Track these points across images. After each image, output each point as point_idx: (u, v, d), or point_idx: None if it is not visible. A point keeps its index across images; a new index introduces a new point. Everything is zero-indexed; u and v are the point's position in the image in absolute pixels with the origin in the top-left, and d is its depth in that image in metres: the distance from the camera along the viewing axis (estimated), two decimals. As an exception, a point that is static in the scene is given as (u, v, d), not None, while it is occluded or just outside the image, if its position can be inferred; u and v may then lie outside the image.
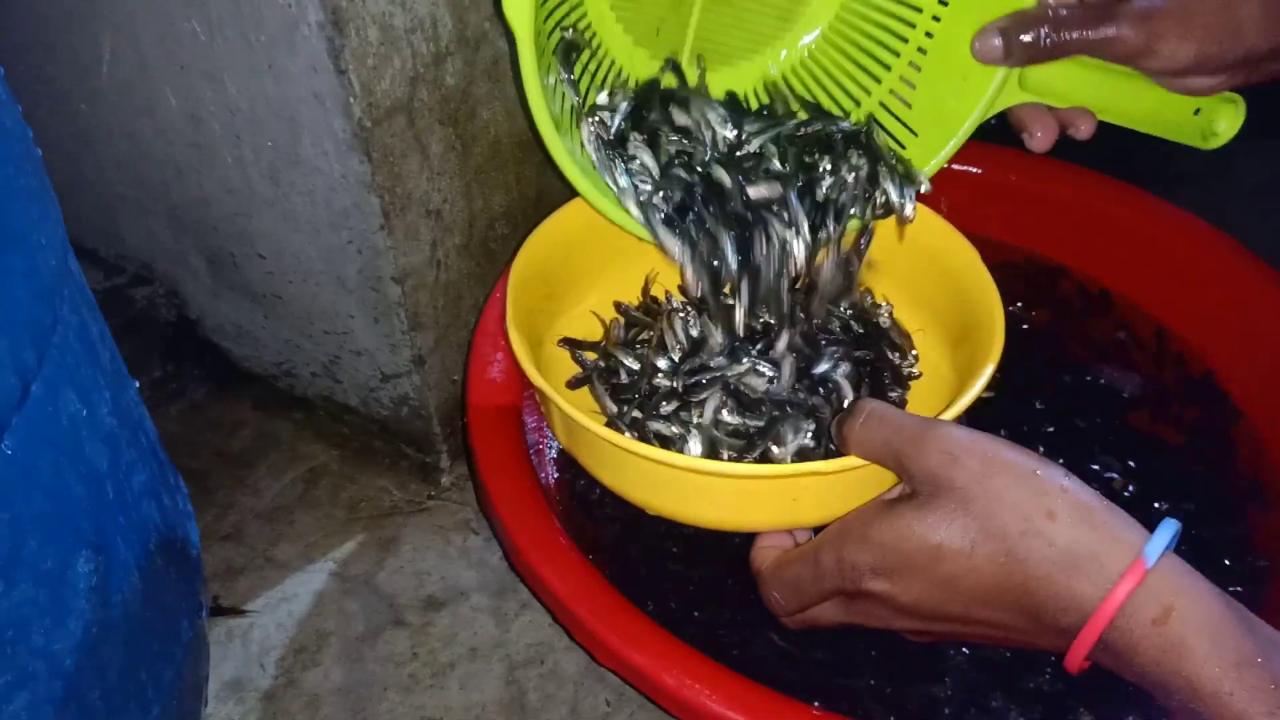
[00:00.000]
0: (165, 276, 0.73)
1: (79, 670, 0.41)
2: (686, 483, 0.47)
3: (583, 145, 0.55)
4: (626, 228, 0.55)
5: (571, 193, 0.55)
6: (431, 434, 0.69)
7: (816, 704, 0.45)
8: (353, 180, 0.56)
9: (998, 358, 0.50)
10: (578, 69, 0.56)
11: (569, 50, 0.54)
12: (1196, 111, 0.53)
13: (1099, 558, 0.37)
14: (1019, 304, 0.71)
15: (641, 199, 0.53)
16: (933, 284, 0.59)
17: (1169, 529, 0.38)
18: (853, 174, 0.55)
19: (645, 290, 0.63)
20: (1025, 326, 0.70)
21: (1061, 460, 0.40)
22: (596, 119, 0.54)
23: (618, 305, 0.63)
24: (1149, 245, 0.69)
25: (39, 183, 0.39)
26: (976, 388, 0.48)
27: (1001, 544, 0.38)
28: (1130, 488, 0.61)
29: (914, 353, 0.60)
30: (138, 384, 0.49)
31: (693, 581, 0.58)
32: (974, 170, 0.73)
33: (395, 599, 0.64)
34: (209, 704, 0.59)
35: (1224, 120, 0.53)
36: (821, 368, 0.55)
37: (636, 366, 0.57)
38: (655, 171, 0.54)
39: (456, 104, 0.59)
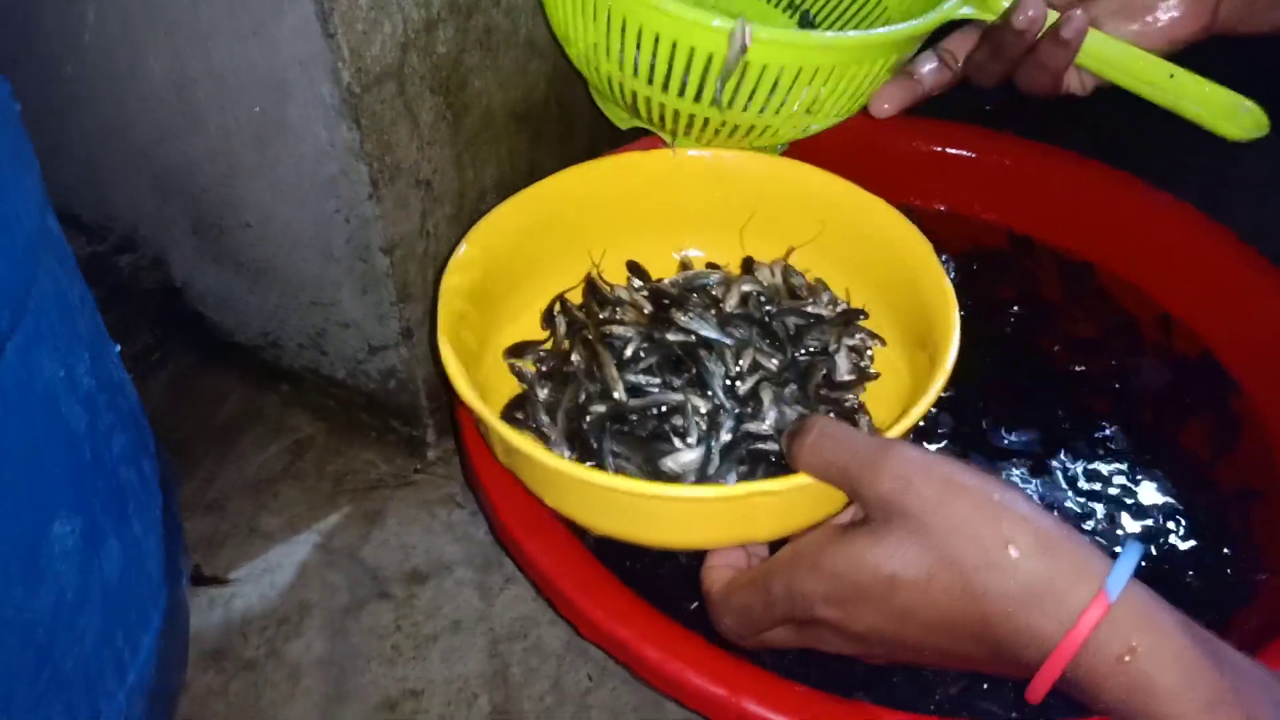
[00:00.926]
0: (150, 244, 0.72)
1: (53, 638, 0.40)
2: (631, 506, 0.45)
3: None
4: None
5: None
6: (419, 408, 0.68)
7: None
8: (341, 148, 0.55)
9: (948, 370, 0.48)
10: None
11: None
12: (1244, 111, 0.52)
13: (1060, 592, 0.36)
14: (1002, 288, 0.71)
15: None
16: (893, 283, 0.57)
17: (1132, 556, 0.36)
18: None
19: (588, 288, 0.61)
20: (1015, 309, 0.70)
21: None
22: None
23: (563, 303, 0.61)
24: (1142, 231, 0.69)
25: (15, 138, 0.38)
26: (924, 403, 0.46)
27: (958, 576, 0.37)
28: (1116, 482, 0.60)
29: (870, 352, 0.58)
30: (119, 348, 0.49)
31: (679, 556, 0.57)
32: (968, 155, 0.73)
33: (379, 571, 0.64)
34: (189, 673, 0.58)
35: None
36: (768, 419, 0.52)
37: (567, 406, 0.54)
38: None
39: (448, 72, 0.58)
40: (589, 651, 0.60)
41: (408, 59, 0.55)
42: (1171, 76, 0.52)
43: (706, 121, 0.57)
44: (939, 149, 0.72)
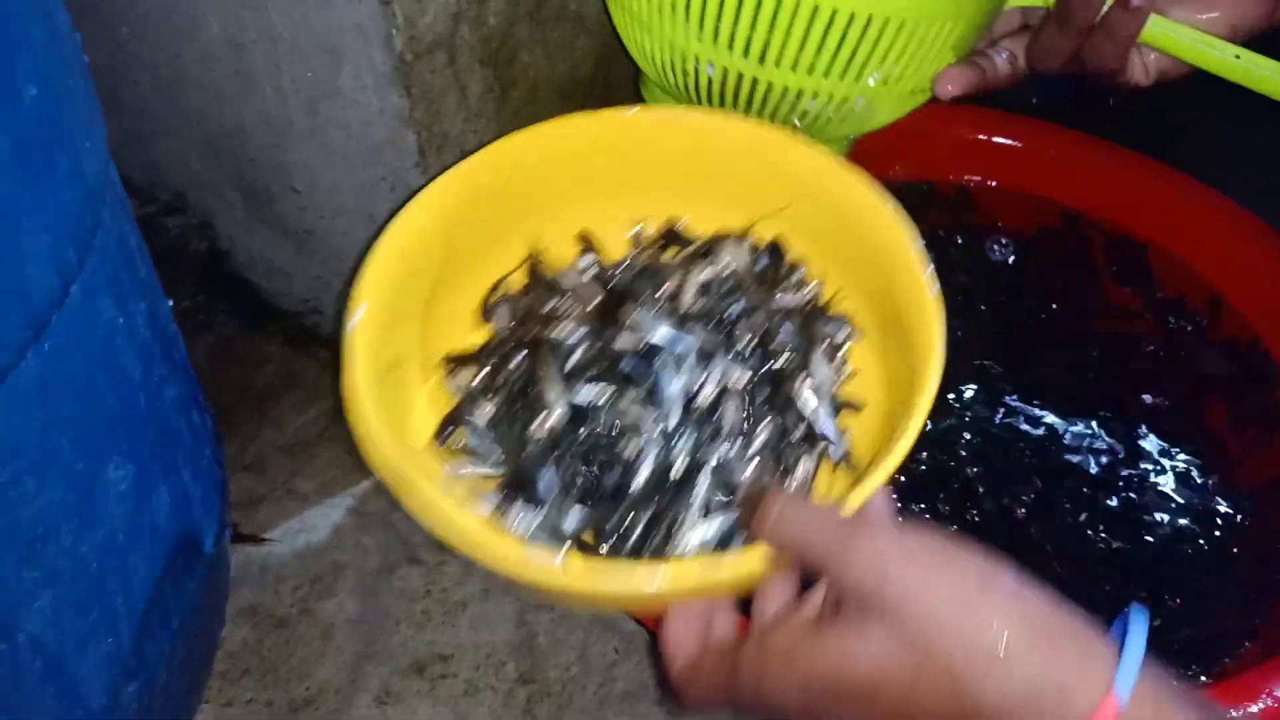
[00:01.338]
0: (198, 207, 0.74)
1: (104, 574, 0.41)
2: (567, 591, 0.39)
3: None
4: None
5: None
6: (455, 377, 0.69)
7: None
8: (390, 115, 0.56)
9: (931, 399, 0.41)
10: None
11: None
12: None
13: (1064, 692, 0.32)
14: (1047, 269, 0.71)
15: None
16: (866, 269, 0.50)
17: (1139, 640, 0.33)
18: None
19: (533, 270, 0.52)
20: (1054, 302, 0.70)
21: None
22: None
23: (505, 296, 0.52)
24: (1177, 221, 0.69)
25: (87, 87, 0.39)
26: (897, 453, 0.40)
27: (947, 677, 0.33)
28: (1154, 469, 0.60)
29: (847, 346, 0.51)
30: (171, 303, 0.50)
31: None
32: (1015, 144, 0.73)
33: (411, 537, 0.65)
34: (225, 627, 0.59)
35: None
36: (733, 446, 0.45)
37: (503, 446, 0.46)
38: None
39: (497, 45, 0.59)
40: (616, 625, 0.61)
41: (459, 29, 0.56)
42: (1237, 57, 0.52)
43: (767, 95, 0.54)
44: (984, 138, 0.73)
